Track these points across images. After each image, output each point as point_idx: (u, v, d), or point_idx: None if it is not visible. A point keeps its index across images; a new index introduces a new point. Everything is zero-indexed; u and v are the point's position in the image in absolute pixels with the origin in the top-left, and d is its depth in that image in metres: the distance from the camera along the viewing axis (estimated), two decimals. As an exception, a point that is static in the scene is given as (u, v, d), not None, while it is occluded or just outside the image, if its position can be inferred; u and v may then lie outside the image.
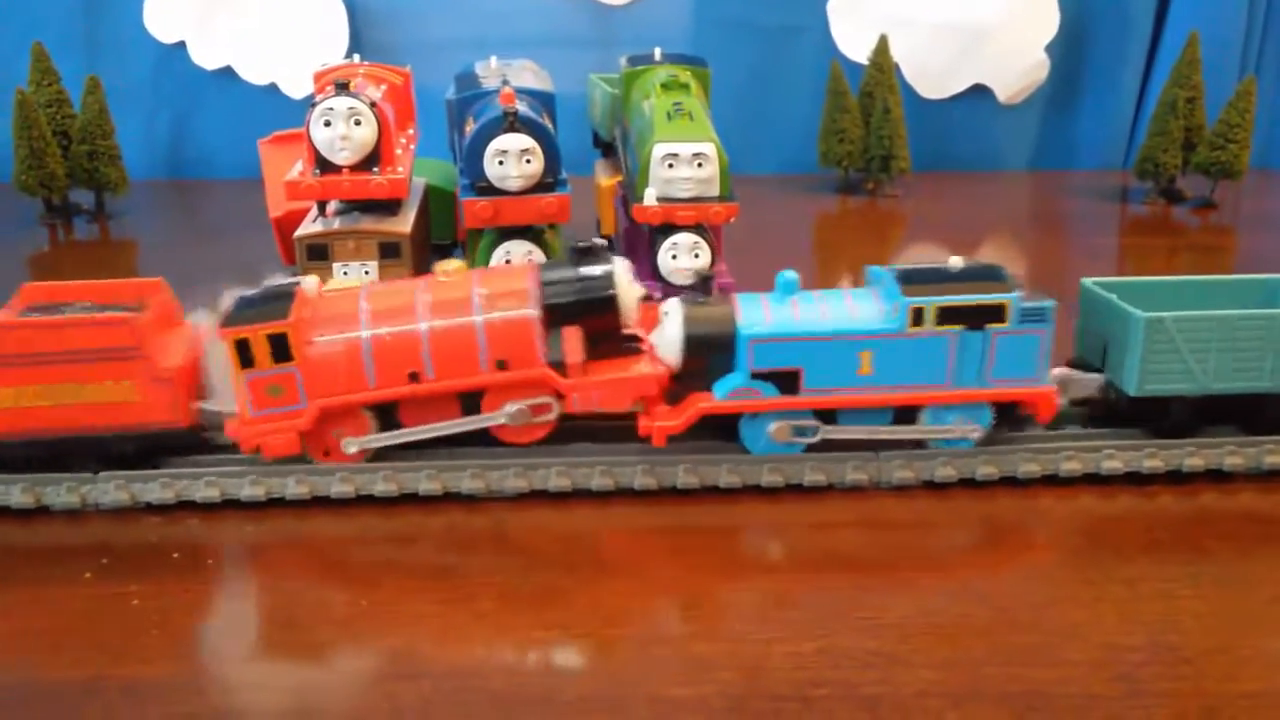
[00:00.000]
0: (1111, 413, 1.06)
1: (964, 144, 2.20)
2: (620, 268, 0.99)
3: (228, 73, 2.11)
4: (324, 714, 0.74)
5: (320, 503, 0.99)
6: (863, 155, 2.02)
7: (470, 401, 0.99)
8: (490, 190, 1.18)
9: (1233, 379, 1.02)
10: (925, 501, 0.99)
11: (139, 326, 0.96)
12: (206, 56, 2.09)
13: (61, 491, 0.98)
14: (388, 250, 1.21)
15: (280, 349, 0.95)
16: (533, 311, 0.96)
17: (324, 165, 1.17)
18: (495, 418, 0.98)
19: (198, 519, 0.97)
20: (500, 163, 1.16)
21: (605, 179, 1.58)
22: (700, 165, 1.21)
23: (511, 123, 1.15)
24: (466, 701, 0.74)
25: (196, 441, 1.01)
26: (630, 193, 1.29)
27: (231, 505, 0.98)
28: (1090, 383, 1.06)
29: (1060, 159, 2.25)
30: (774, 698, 0.74)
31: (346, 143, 1.15)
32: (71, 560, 0.91)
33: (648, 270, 1.27)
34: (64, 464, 0.98)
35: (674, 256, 1.22)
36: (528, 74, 1.37)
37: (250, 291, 0.99)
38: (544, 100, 1.24)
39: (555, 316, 0.97)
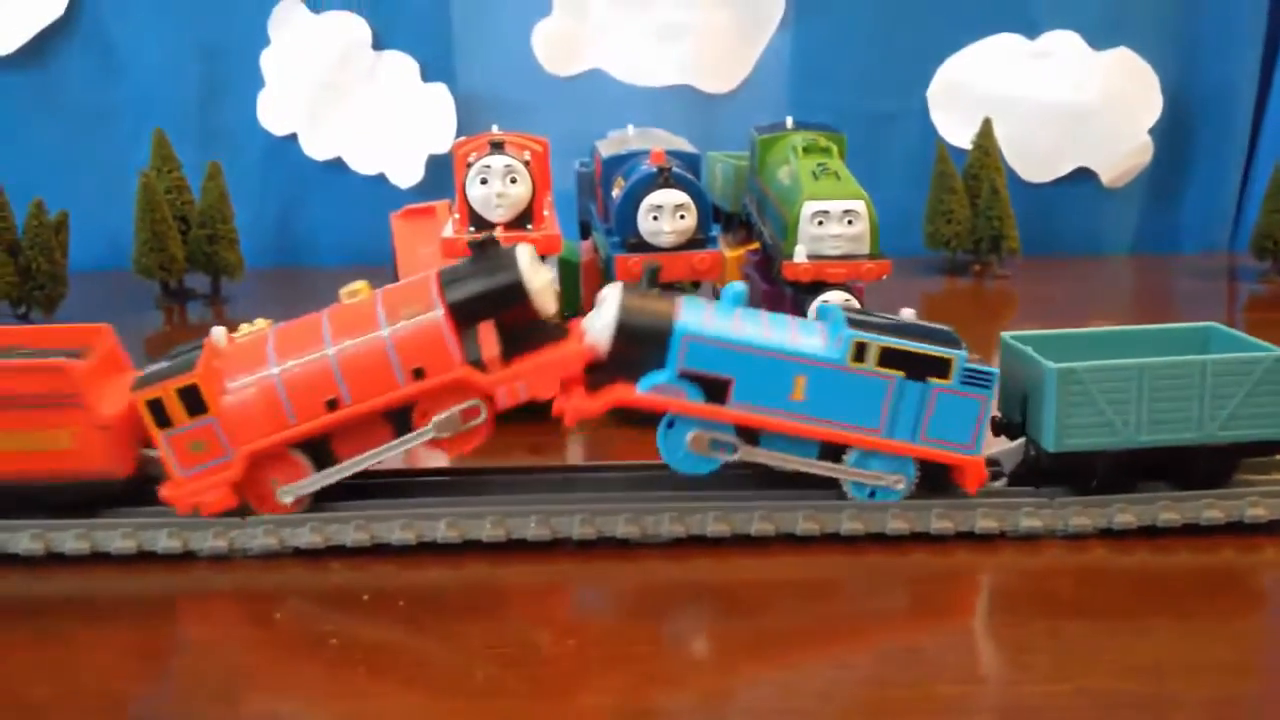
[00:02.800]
0: (1033, 472, 1.00)
1: (1066, 227, 2.18)
2: (522, 253, 0.94)
3: (338, 163, 2.15)
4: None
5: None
6: (970, 236, 2.01)
7: (403, 422, 0.95)
8: (642, 246, 1.17)
9: (1158, 431, 0.95)
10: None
11: (76, 373, 0.94)
12: (317, 148, 2.13)
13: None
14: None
15: (194, 402, 0.92)
16: (437, 313, 0.92)
17: (478, 223, 1.17)
18: (424, 433, 0.94)
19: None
20: (655, 218, 1.16)
21: (728, 250, 1.58)
22: (850, 222, 1.21)
23: (666, 178, 1.16)
24: None
25: (136, 491, 0.98)
26: (776, 254, 1.28)
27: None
28: (1014, 451, 1.01)
29: (1163, 242, 2.23)
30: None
31: (503, 199, 1.16)
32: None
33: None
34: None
35: (825, 314, 1.20)
36: (667, 139, 1.38)
37: (161, 359, 0.97)
38: (689, 161, 1.24)
39: (464, 315, 0.93)
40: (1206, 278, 2.04)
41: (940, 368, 0.94)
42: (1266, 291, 1.93)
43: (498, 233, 1.16)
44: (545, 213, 1.23)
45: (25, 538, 0.95)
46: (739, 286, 0.98)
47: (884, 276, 1.22)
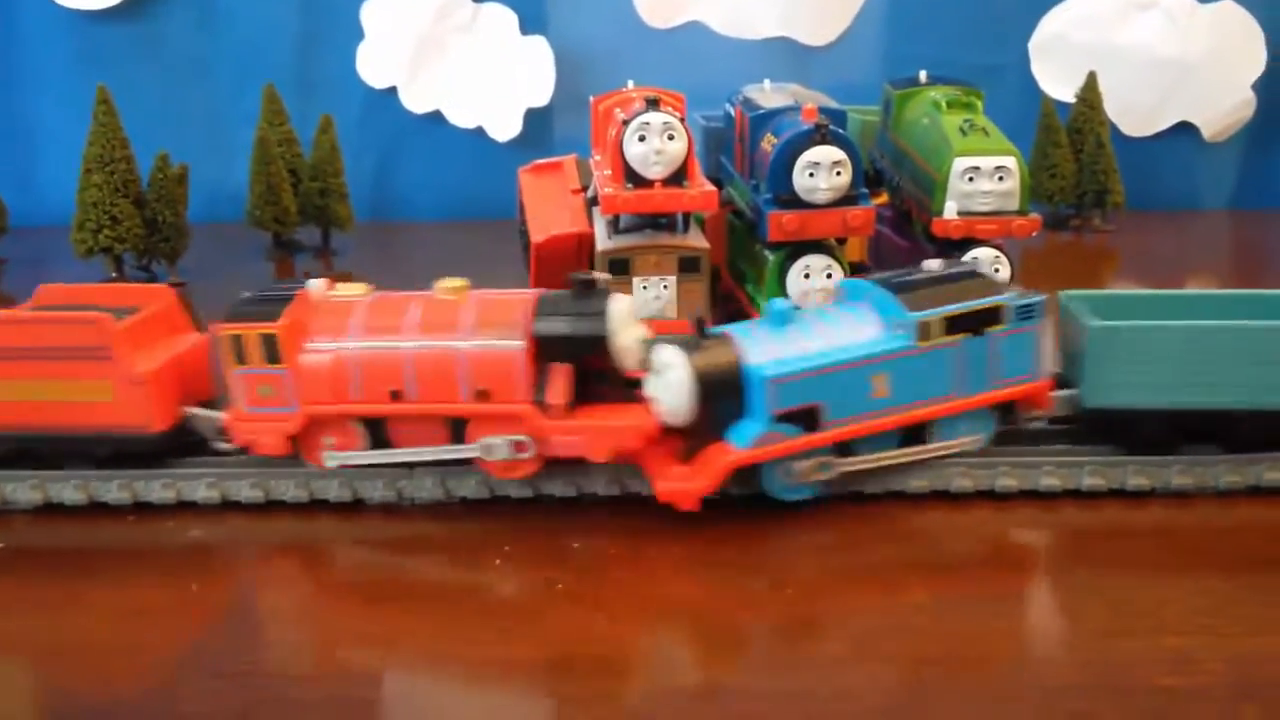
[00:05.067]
0: (1076, 427, 1.02)
1: (1166, 182, 2.17)
2: (619, 306, 0.94)
3: (436, 116, 2.16)
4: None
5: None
6: (1074, 190, 2.00)
7: (458, 427, 0.96)
8: (795, 203, 1.18)
9: (1201, 394, 0.96)
10: None
11: (111, 329, 0.97)
12: (416, 101, 2.14)
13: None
14: (688, 265, 1.21)
15: (271, 350, 0.95)
16: (518, 343, 0.93)
17: (635, 179, 1.18)
18: (469, 450, 0.96)
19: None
20: (811, 175, 1.16)
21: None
22: (1001, 179, 1.21)
23: (824, 135, 1.16)
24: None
25: (174, 447, 1.01)
26: (918, 210, 1.29)
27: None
28: (1064, 399, 1.02)
29: (1262, 198, 2.21)
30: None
31: (660, 156, 1.17)
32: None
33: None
34: (33, 462, 1.00)
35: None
36: (807, 94, 1.38)
37: (259, 291, 1.00)
38: (837, 117, 1.24)
39: (545, 351, 0.94)
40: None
41: (994, 316, 0.96)
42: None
43: (655, 189, 1.17)
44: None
45: (70, 488, 0.99)
46: (784, 303, 0.98)
47: (1034, 233, 1.22)
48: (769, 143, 1.21)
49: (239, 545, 0.96)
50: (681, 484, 0.92)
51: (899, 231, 1.38)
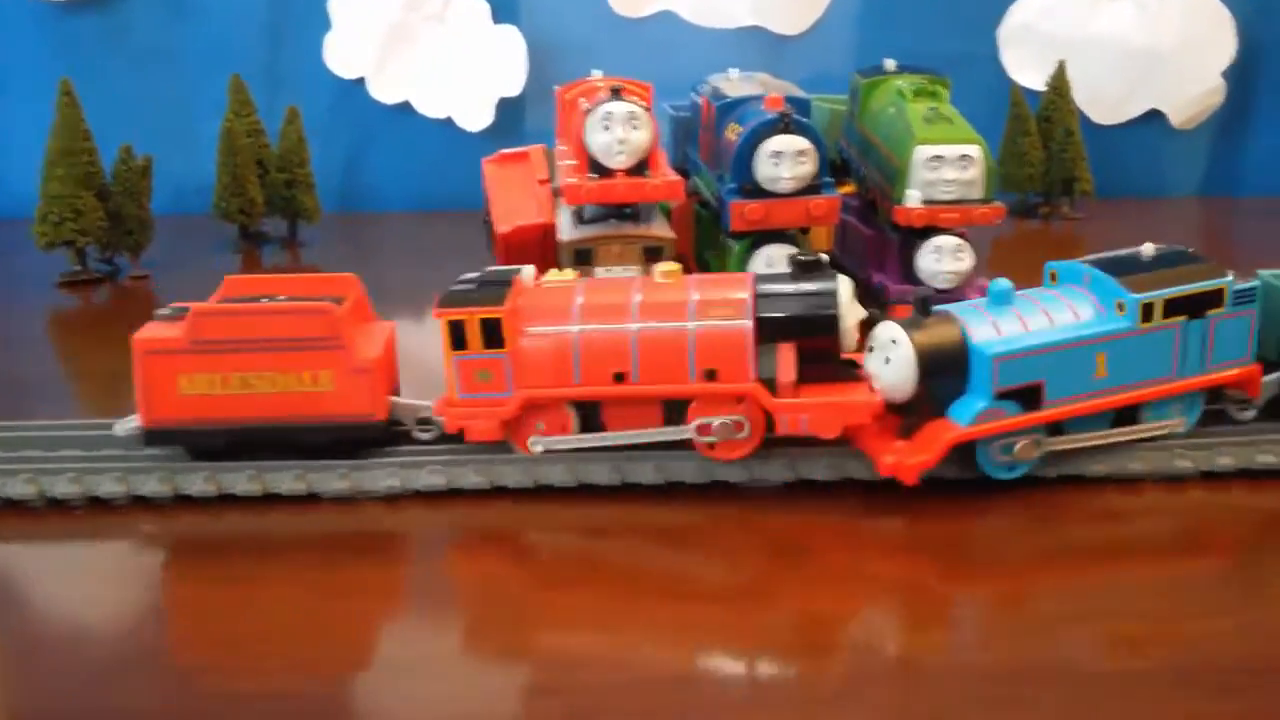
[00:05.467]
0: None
1: (1135, 169, 2.18)
2: (843, 286, 0.95)
3: (405, 107, 2.14)
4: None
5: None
6: (1043, 178, 2.00)
7: (674, 409, 0.96)
8: (758, 192, 1.18)
9: None
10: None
11: (338, 317, 0.97)
12: (385, 92, 2.13)
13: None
14: (652, 254, 1.21)
15: (492, 335, 0.94)
16: (747, 323, 0.93)
17: (598, 169, 1.18)
18: (684, 431, 0.95)
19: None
20: (774, 164, 1.16)
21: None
22: (965, 167, 1.21)
23: (787, 124, 1.16)
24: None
25: (390, 435, 1.01)
26: (883, 197, 1.29)
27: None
28: (1272, 383, 1.03)
29: (1229, 185, 2.22)
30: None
31: (624, 146, 1.16)
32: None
33: (897, 276, 1.26)
34: (255, 454, 0.99)
35: (938, 260, 1.22)
36: (774, 84, 1.38)
37: (470, 275, 1.00)
38: (801, 106, 1.24)
39: (770, 331, 0.94)
40: (1272, 220, 2.03)
41: (1215, 299, 0.97)
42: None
43: (618, 179, 1.17)
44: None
45: (289, 478, 0.98)
46: (1005, 283, 0.98)
47: (997, 221, 1.22)
48: (733, 132, 1.21)
49: (474, 530, 0.96)
50: (905, 458, 0.92)
51: (865, 221, 1.38)
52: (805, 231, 1.26)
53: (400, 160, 2.17)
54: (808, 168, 1.16)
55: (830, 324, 0.94)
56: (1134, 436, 0.99)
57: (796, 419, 0.93)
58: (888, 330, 0.94)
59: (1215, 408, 1.03)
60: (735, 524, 0.94)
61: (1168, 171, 2.20)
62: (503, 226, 1.53)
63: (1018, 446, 0.95)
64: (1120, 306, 0.95)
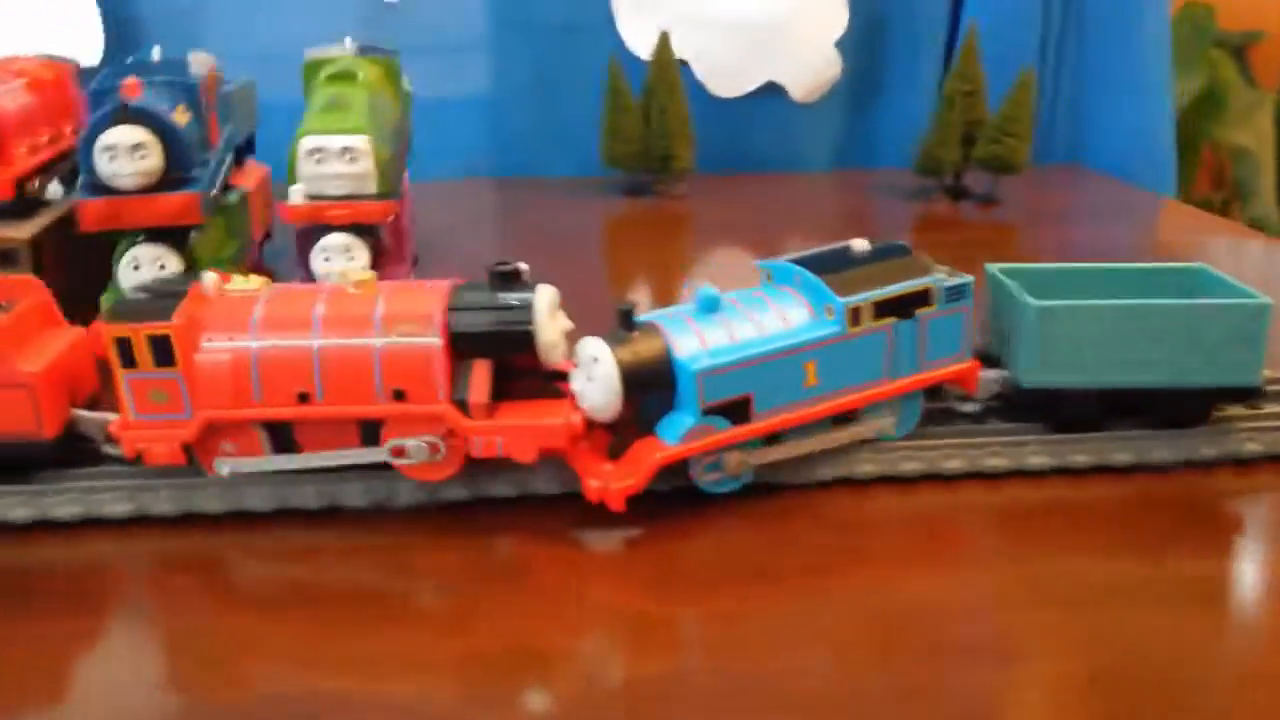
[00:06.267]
0: (1009, 406, 1.00)
1: (761, 144, 2.13)
2: (544, 298, 0.88)
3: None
4: None
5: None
6: (644, 156, 1.94)
7: (370, 428, 0.88)
8: (107, 189, 1.08)
9: (1129, 373, 0.95)
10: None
11: None
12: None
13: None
14: (4, 258, 1.10)
15: (163, 352, 0.85)
16: (435, 340, 0.86)
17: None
18: (380, 452, 0.88)
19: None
20: (111, 159, 1.06)
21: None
22: (353, 160, 1.12)
23: (123, 114, 1.05)
24: None
25: (62, 454, 0.91)
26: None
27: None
28: (993, 380, 1.00)
29: (862, 157, 2.19)
30: None
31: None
32: None
33: (308, 277, 1.18)
34: None
35: (326, 259, 1.14)
36: (192, 64, 1.27)
37: (145, 283, 0.90)
38: (184, 91, 1.14)
39: (464, 349, 0.87)
40: (892, 195, 2.01)
41: (924, 298, 0.93)
42: (939, 211, 1.91)
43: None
44: (22, 150, 1.13)
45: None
46: (711, 290, 0.91)
47: (389, 218, 1.14)
48: (89, 123, 1.10)
49: (168, 561, 0.87)
50: (611, 482, 0.87)
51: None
52: (199, 229, 1.15)
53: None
54: (150, 162, 1.06)
55: (525, 339, 0.87)
56: (840, 443, 0.94)
57: (490, 442, 0.87)
58: (590, 347, 0.88)
59: (940, 405, 1.01)
60: (453, 544, 0.88)
61: (799, 145, 2.16)
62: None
63: (729, 461, 0.90)
64: (829, 310, 0.91)
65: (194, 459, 0.88)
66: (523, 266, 0.90)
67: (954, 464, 0.96)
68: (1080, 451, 0.97)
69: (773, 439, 0.92)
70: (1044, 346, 0.95)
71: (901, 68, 2.13)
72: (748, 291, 0.95)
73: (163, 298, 0.87)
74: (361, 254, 1.14)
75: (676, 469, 0.90)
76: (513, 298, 0.88)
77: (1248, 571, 0.87)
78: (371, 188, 1.13)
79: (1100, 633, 0.77)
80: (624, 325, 0.88)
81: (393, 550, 0.88)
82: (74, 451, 0.92)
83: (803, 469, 0.94)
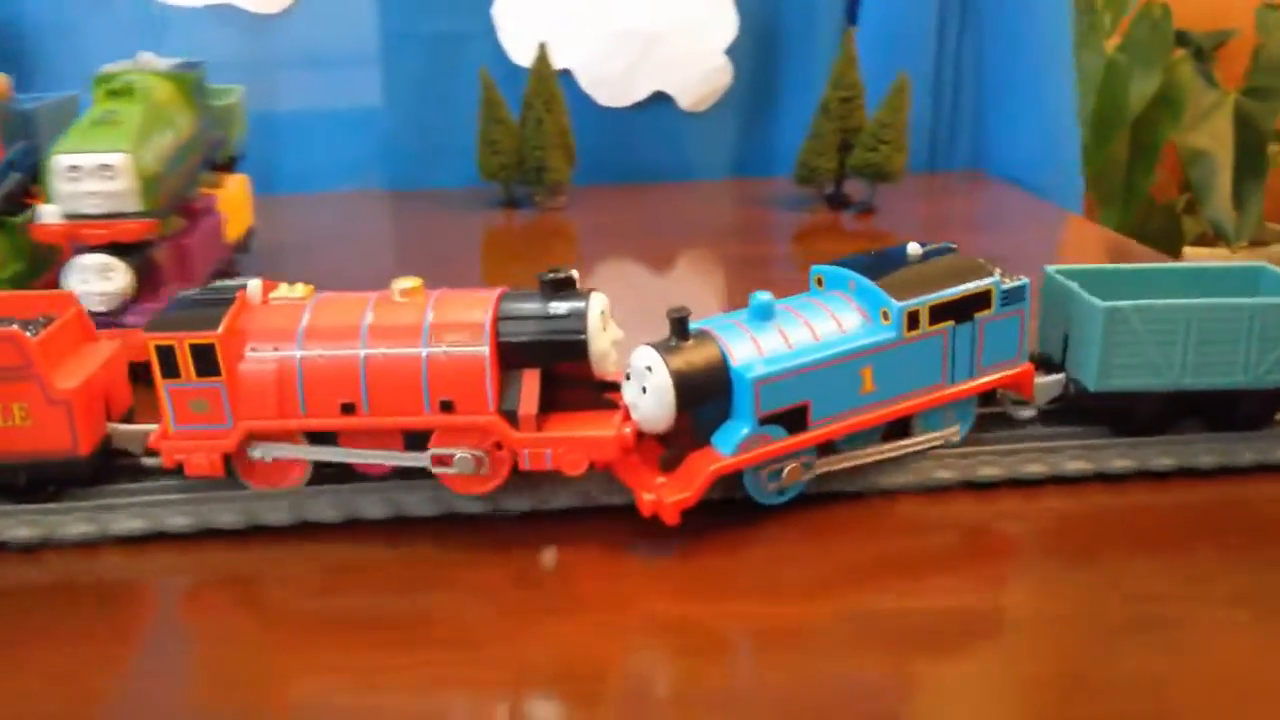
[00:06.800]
0: (1072, 410, 0.97)
1: (651, 154, 2.09)
2: (594, 306, 0.85)
3: None
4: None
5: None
6: (519, 168, 1.90)
7: (416, 439, 0.87)
8: None
9: (1204, 374, 0.92)
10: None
11: (28, 343, 0.84)
12: None
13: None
14: None
15: (206, 362, 0.84)
16: (484, 350, 0.83)
17: None
18: (421, 459, 0.86)
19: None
20: None
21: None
22: (110, 178, 1.09)
23: None
24: None
25: (98, 470, 0.89)
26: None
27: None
28: (1052, 384, 0.97)
29: (757, 167, 2.14)
30: None
31: None
32: None
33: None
34: None
35: (83, 280, 1.11)
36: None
37: (189, 292, 0.88)
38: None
39: (513, 359, 0.85)
40: (780, 205, 1.96)
41: (983, 301, 0.91)
42: (819, 221, 1.86)
43: None
44: None
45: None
46: (766, 296, 0.88)
47: (149, 236, 1.11)
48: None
49: (191, 576, 0.86)
50: (665, 495, 0.84)
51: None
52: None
53: None
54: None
55: (578, 349, 0.85)
56: (905, 450, 0.93)
57: (539, 454, 0.85)
58: (643, 356, 0.84)
59: (995, 410, 0.99)
60: (498, 558, 0.86)
61: (688, 155, 2.12)
62: None
63: (785, 471, 0.87)
64: (885, 315, 0.88)
65: (232, 471, 0.87)
66: (573, 273, 0.87)
67: (1034, 468, 0.93)
68: (1164, 455, 0.94)
69: (825, 448, 0.89)
70: (1112, 349, 0.92)
71: (796, 75, 2.08)
72: (801, 297, 0.93)
73: (208, 305, 0.85)
74: (121, 275, 1.10)
75: (729, 478, 0.87)
76: (563, 306, 0.85)
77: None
78: (133, 205, 1.10)
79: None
80: (677, 333, 0.85)
81: (441, 565, 0.86)
82: (107, 469, 0.91)
83: (857, 477, 0.92)
